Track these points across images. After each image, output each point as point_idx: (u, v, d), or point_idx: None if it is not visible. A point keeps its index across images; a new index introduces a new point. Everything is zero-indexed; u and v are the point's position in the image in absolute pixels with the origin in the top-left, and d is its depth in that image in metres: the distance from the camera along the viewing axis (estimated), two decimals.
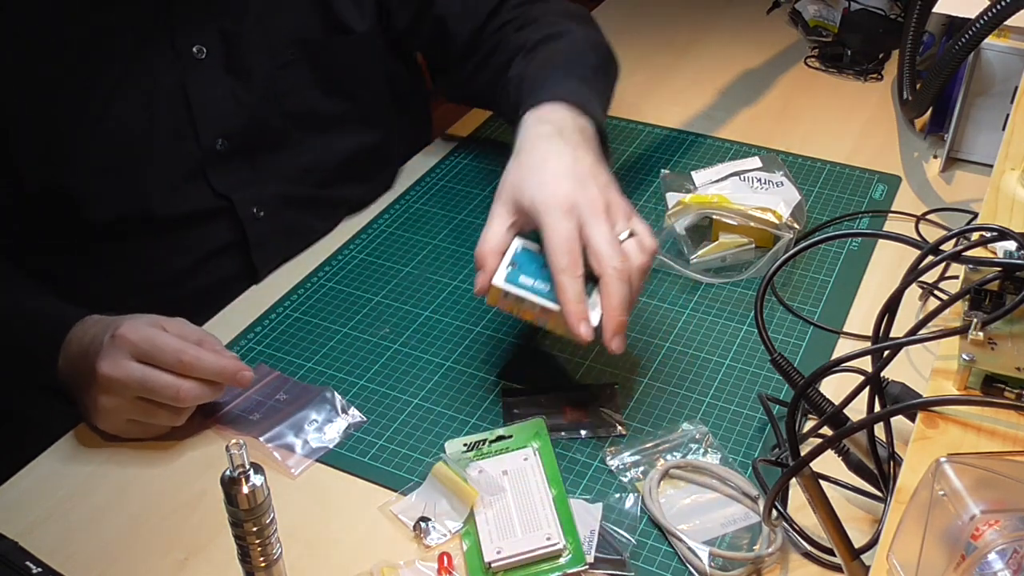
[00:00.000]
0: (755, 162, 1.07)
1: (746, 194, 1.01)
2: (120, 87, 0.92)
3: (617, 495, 0.76)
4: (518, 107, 0.92)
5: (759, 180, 1.03)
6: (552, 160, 0.82)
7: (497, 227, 0.80)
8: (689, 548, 0.71)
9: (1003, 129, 1.09)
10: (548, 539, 0.71)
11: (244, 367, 0.81)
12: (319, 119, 1.06)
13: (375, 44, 1.08)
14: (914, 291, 0.92)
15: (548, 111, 0.88)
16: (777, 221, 0.98)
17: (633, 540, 0.73)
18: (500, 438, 0.81)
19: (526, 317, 0.79)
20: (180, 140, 0.96)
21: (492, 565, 0.71)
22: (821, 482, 0.64)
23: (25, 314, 0.89)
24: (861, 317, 0.94)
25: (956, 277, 0.90)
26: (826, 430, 0.70)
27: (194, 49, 0.95)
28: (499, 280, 0.78)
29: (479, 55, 1.10)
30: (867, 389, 0.64)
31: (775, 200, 1.00)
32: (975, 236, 0.58)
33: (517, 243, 0.80)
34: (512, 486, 0.76)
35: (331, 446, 0.82)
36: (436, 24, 1.10)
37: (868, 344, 0.62)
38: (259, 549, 0.62)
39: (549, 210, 0.77)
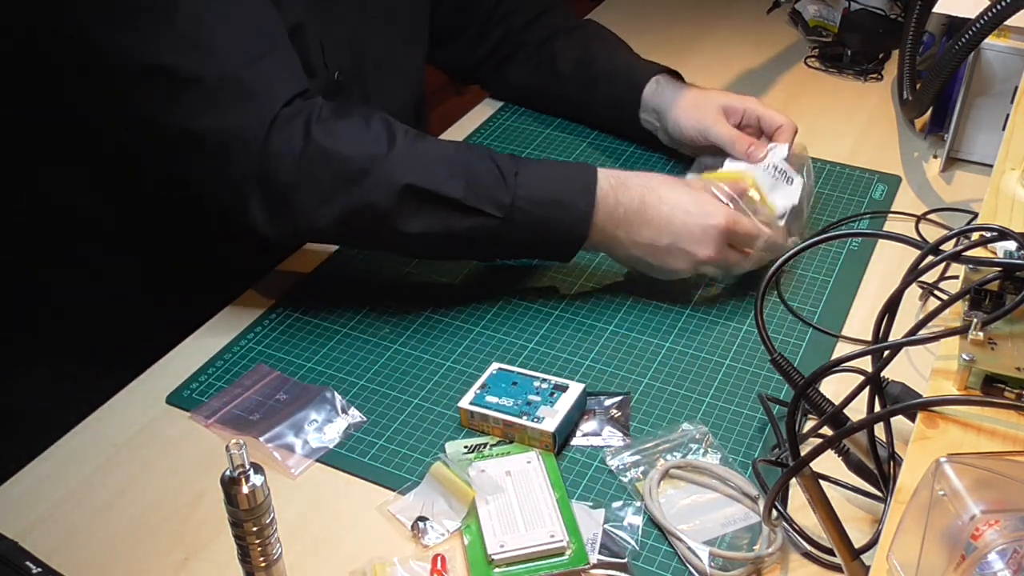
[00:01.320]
0: (783, 151, 1.04)
1: (766, 181, 1.00)
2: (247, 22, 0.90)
3: (619, 503, 0.76)
4: (605, 78, 1.20)
5: (779, 170, 1.02)
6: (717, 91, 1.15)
7: (728, 129, 1.07)
8: (689, 548, 0.71)
9: (1003, 129, 1.09)
10: (552, 536, 0.72)
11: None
12: (396, 63, 1.12)
13: None
14: (914, 291, 0.92)
15: (668, 77, 1.18)
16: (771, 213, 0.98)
17: (635, 545, 0.73)
18: (501, 442, 0.81)
19: (495, 433, 0.82)
20: (309, 75, 0.98)
21: (494, 558, 0.71)
22: (821, 482, 0.64)
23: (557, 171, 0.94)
24: (861, 317, 0.94)
25: (956, 277, 0.90)
26: (826, 430, 0.70)
27: None
28: (464, 403, 0.83)
29: (492, 24, 1.23)
30: (867, 389, 0.64)
31: (781, 195, 1.00)
32: (975, 236, 0.58)
33: (493, 367, 0.87)
34: (516, 486, 0.76)
35: (331, 446, 0.82)
36: None
37: (868, 344, 0.62)
38: (259, 549, 0.62)
39: (758, 105, 1.09)
